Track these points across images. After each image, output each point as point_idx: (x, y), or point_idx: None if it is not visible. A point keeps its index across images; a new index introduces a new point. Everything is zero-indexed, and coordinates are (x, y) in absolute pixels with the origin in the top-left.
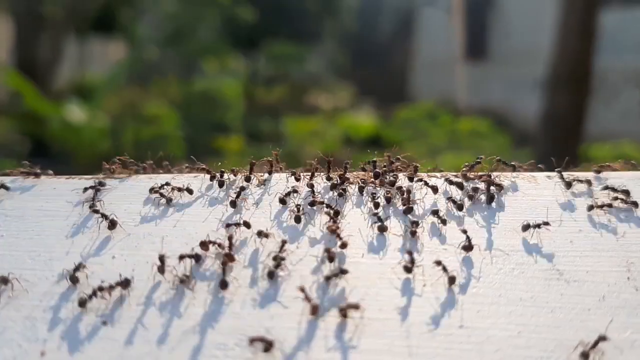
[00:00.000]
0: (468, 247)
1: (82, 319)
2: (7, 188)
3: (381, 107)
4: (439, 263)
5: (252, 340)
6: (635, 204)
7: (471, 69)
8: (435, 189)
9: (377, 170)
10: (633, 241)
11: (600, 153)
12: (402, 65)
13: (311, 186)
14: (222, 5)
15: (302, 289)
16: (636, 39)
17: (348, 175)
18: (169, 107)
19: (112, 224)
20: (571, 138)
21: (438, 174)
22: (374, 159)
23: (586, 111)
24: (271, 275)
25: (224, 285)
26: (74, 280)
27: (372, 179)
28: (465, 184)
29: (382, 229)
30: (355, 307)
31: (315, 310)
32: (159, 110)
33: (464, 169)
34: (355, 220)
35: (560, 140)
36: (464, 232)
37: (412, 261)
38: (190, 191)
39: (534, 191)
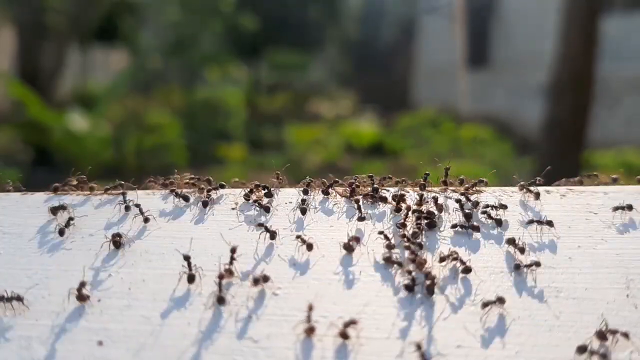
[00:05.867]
0: (467, 270)
1: (78, 339)
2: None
3: (383, 115)
4: (455, 253)
5: None
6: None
7: (473, 76)
8: (440, 208)
9: (375, 185)
10: (632, 257)
11: (604, 160)
12: (404, 73)
13: (306, 192)
14: (225, 14)
15: (311, 307)
16: (638, 45)
17: (343, 189)
18: (171, 116)
19: (117, 244)
20: (574, 145)
21: (437, 189)
22: (371, 174)
23: (589, 118)
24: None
25: (221, 301)
26: (82, 298)
27: (371, 193)
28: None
29: (390, 247)
30: (353, 322)
31: (310, 332)
32: (161, 118)
33: (467, 185)
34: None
35: (563, 148)
36: (455, 258)
37: (414, 279)
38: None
39: (532, 205)
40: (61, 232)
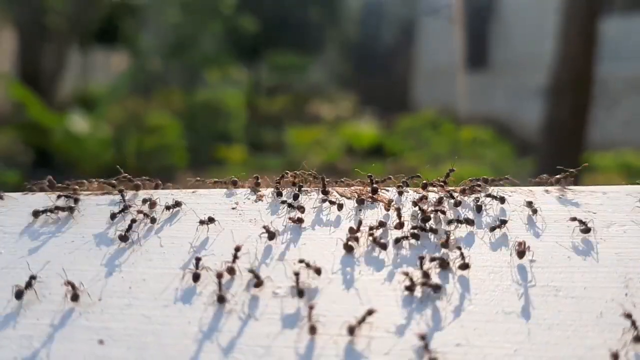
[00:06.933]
0: (464, 266)
1: (78, 338)
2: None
3: (383, 116)
4: (459, 248)
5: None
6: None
7: (473, 78)
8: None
9: (375, 185)
10: (631, 256)
11: (603, 161)
12: (404, 75)
13: (294, 197)
14: (225, 16)
15: (311, 307)
16: (637, 46)
17: (343, 189)
18: (171, 117)
19: (124, 238)
20: (573, 146)
21: (436, 189)
22: (370, 174)
23: (588, 119)
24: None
25: (221, 300)
26: (75, 298)
27: (370, 194)
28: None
29: (384, 246)
30: (370, 312)
31: (312, 331)
32: (161, 120)
33: (464, 184)
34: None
35: (562, 148)
36: (459, 248)
37: (412, 280)
38: (178, 204)
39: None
40: (113, 217)
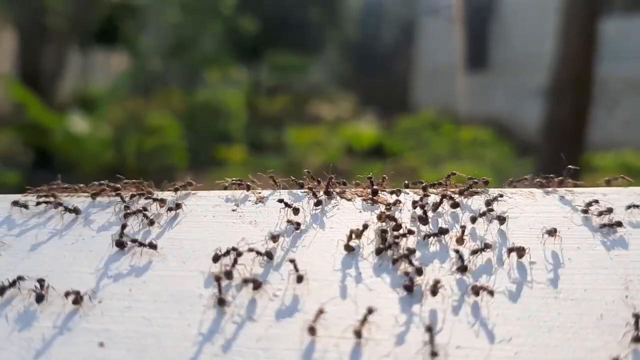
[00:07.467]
0: (462, 268)
1: (79, 340)
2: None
3: (383, 117)
4: (457, 252)
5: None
6: (619, 224)
7: (473, 78)
8: (435, 207)
9: (375, 187)
10: (631, 258)
11: (603, 162)
12: (404, 75)
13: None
14: (225, 16)
15: (321, 311)
16: (637, 46)
17: (343, 190)
18: (171, 118)
19: (120, 245)
20: (573, 146)
21: (436, 191)
22: (370, 175)
23: (588, 119)
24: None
25: (221, 302)
26: (76, 301)
27: (370, 195)
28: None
29: (379, 252)
30: (370, 311)
31: (312, 332)
32: (161, 120)
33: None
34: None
35: (562, 149)
36: (456, 252)
37: (412, 280)
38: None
39: (531, 207)
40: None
